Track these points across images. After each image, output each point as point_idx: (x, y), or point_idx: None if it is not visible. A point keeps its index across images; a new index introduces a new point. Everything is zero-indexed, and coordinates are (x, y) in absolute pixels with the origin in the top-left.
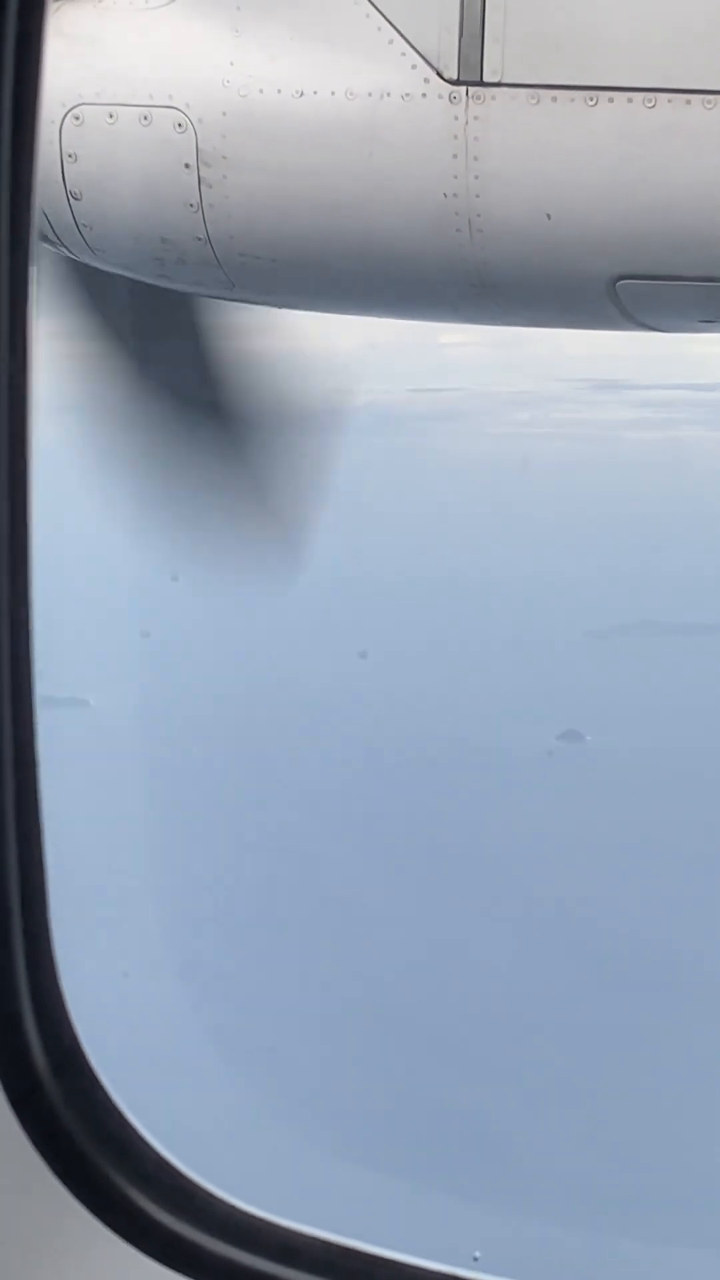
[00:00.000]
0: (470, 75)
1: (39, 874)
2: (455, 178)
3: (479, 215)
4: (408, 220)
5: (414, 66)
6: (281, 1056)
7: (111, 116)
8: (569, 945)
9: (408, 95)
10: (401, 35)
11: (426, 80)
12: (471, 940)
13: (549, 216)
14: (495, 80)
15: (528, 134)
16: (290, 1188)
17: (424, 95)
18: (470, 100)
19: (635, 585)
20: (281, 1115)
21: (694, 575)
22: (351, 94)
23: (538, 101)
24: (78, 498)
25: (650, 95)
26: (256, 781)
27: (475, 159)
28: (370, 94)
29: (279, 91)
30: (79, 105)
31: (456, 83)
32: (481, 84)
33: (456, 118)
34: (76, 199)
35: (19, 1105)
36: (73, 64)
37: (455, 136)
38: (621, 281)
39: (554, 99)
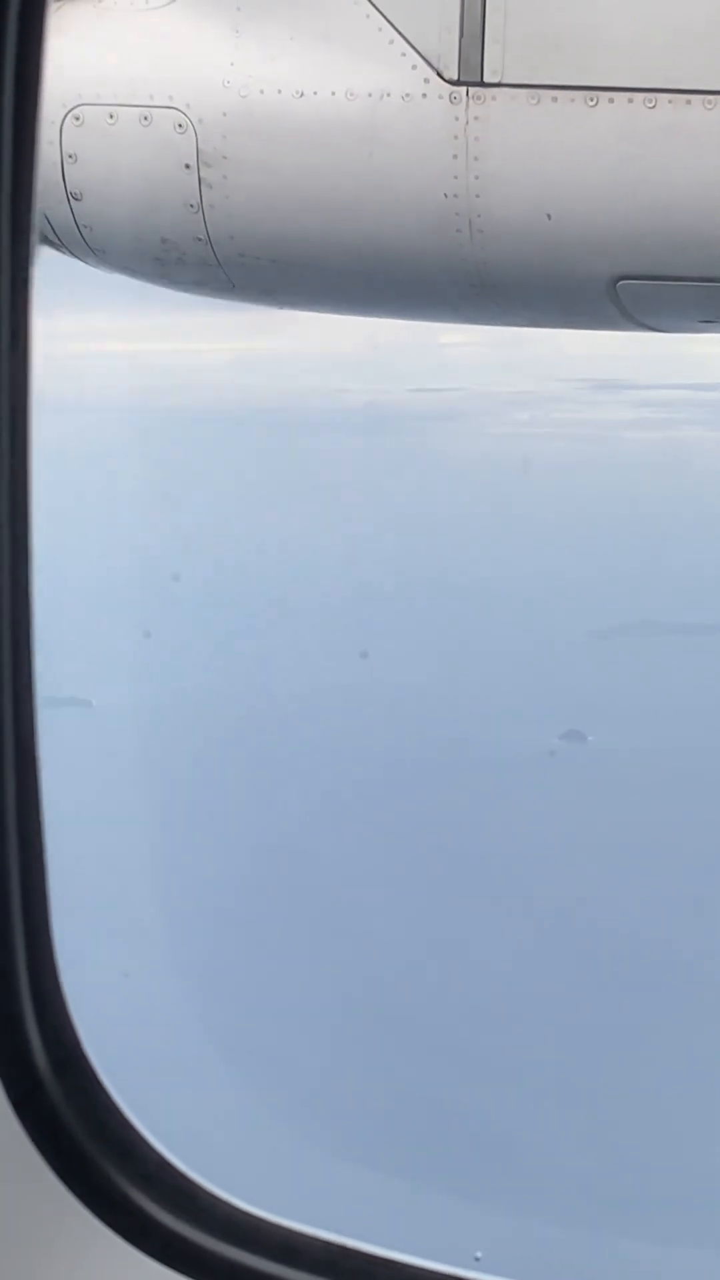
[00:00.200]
0: (470, 75)
1: (39, 874)
2: (455, 178)
3: (479, 215)
4: (408, 220)
5: (414, 67)
6: (282, 1056)
7: (112, 117)
8: (572, 944)
9: (408, 95)
10: (402, 35)
11: (427, 80)
12: (474, 939)
13: (549, 217)
14: (495, 80)
15: (528, 134)
16: (290, 1188)
17: (424, 95)
18: (470, 100)
19: (636, 585)
20: (282, 1115)
21: (694, 575)
22: (352, 94)
23: (538, 102)
24: (78, 497)
25: (650, 95)
26: (258, 781)
27: (475, 159)
28: (370, 94)
29: (279, 92)
30: (79, 105)
31: (457, 83)
32: (481, 84)
33: (457, 118)
34: (77, 199)
35: (20, 1105)
36: (73, 64)
37: (455, 137)
38: (621, 281)
39: (554, 99)
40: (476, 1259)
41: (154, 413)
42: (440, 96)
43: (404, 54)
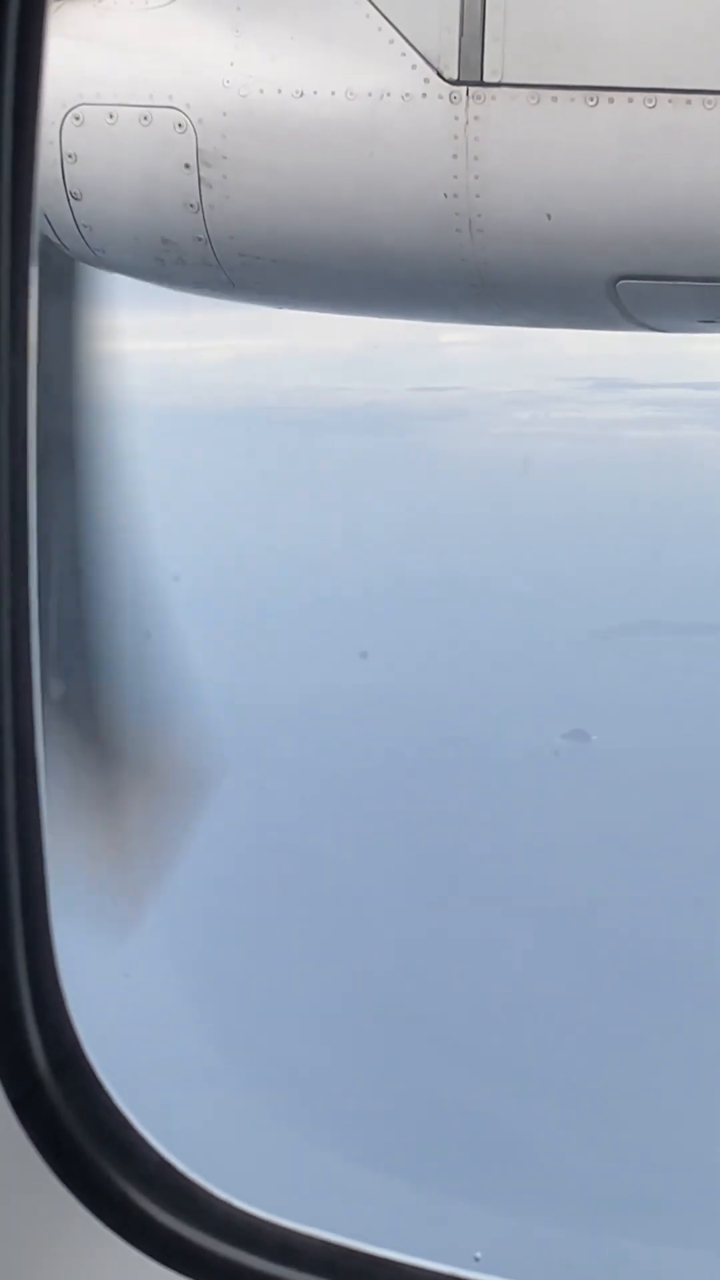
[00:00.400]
0: (470, 75)
1: (40, 874)
2: (455, 178)
3: (479, 215)
4: (408, 220)
5: (414, 66)
6: (282, 1056)
7: (111, 116)
8: (575, 944)
9: (408, 95)
10: (402, 35)
11: (426, 80)
12: (476, 939)
13: (549, 216)
14: (495, 80)
15: (528, 134)
16: (290, 1188)
17: (424, 95)
18: (470, 100)
19: (636, 585)
20: (282, 1115)
21: (695, 575)
22: (351, 94)
23: (538, 101)
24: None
25: (650, 95)
26: (258, 781)
27: (475, 159)
28: (370, 94)
29: (279, 91)
30: (79, 105)
31: (456, 83)
32: (481, 84)
33: (456, 118)
34: (77, 199)
35: (20, 1105)
36: (73, 64)
37: (455, 136)
38: (621, 281)
39: (554, 99)
40: (476, 1259)
41: (154, 412)
42: (440, 96)
43: (404, 54)
